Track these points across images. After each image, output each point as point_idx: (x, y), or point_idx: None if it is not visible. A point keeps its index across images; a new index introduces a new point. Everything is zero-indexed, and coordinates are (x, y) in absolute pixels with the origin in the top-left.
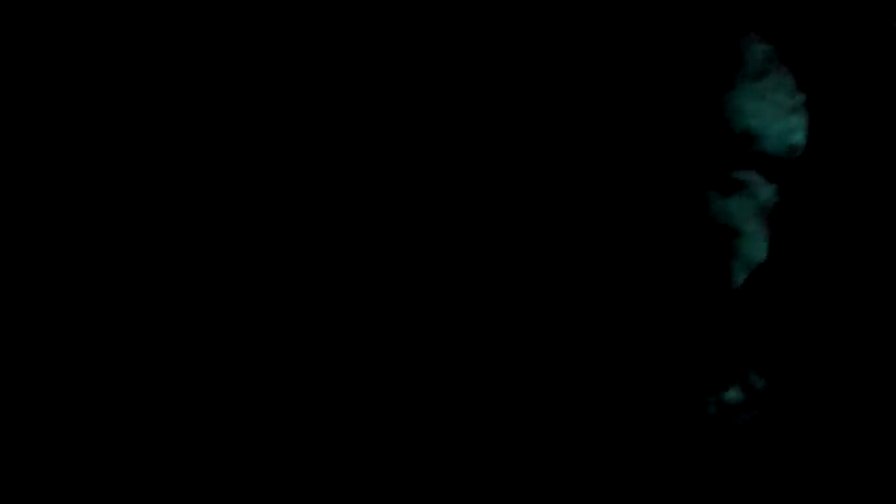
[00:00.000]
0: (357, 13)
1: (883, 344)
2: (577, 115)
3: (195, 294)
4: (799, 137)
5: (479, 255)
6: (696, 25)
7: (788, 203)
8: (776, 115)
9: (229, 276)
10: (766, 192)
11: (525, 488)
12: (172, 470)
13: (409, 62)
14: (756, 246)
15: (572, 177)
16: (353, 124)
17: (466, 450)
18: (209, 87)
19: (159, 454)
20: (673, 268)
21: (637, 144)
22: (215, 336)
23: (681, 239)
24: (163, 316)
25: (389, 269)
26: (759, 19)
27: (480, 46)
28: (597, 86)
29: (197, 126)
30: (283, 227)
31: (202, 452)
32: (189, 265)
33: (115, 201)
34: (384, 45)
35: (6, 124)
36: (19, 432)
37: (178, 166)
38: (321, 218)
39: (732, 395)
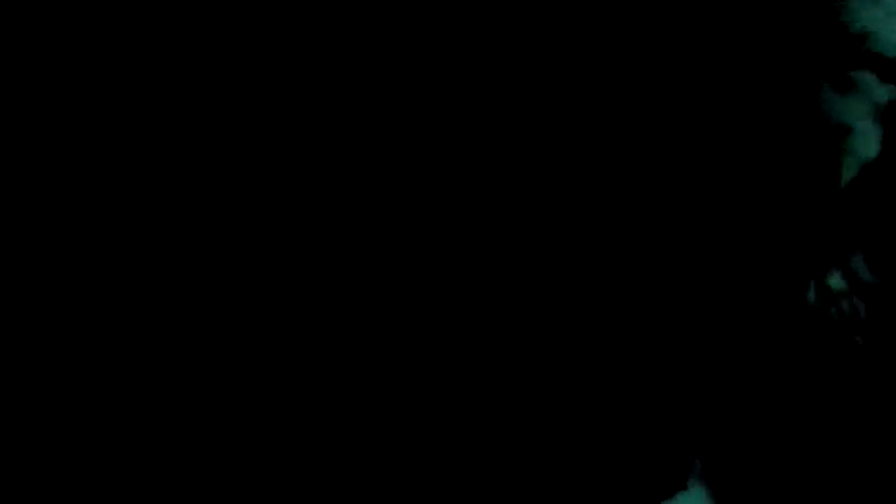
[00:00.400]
0: (357, 13)
1: None
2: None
3: (195, 294)
4: None
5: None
6: None
7: None
8: (890, 19)
9: (229, 276)
10: (879, 91)
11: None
12: (172, 470)
13: (410, 62)
14: (868, 143)
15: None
16: (352, 124)
17: (468, 448)
18: (209, 87)
19: (159, 454)
20: (784, 161)
21: (751, 40)
22: (215, 336)
23: (793, 133)
24: (162, 316)
25: (389, 269)
26: None
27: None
28: None
29: (197, 126)
30: (282, 227)
31: (202, 452)
32: (189, 265)
33: (115, 201)
34: (384, 45)
35: (6, 124)
36: (19, 432)
37: (178, 166)
38: (321, 218)
39: (834, 281)
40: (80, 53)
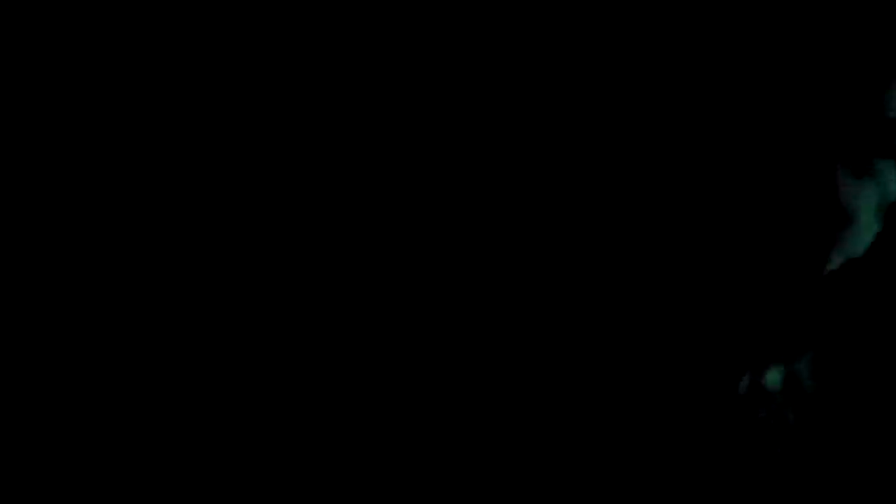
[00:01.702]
0: (357, 13)
1: None
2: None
3: (195, 294)
4: None
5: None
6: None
7: None
8: None
9: (229, 276)
10: (894, 185)
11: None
12: (172, 470)
13: (410, 62)
14: (861, 240)
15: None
16: (352, 124)
17: (470, 445)
18: (209, 87)
19: (159, 454)
20: (776, 237)
21: (793, 110)
22: (215, 336)
23: (798, 209)
24: (162, 316)
25: (389, 269)
26: None
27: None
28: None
29: (197, 126)
30: (282, 227)
31: (202, 452)
32: (189, 265)
33: (115, 201)
34: (384, 44)
35: (6, 124)
36: (19, 432)
37: (178, 166)
38: (321, 218)
39: (772, 378)
40: (80, 53)
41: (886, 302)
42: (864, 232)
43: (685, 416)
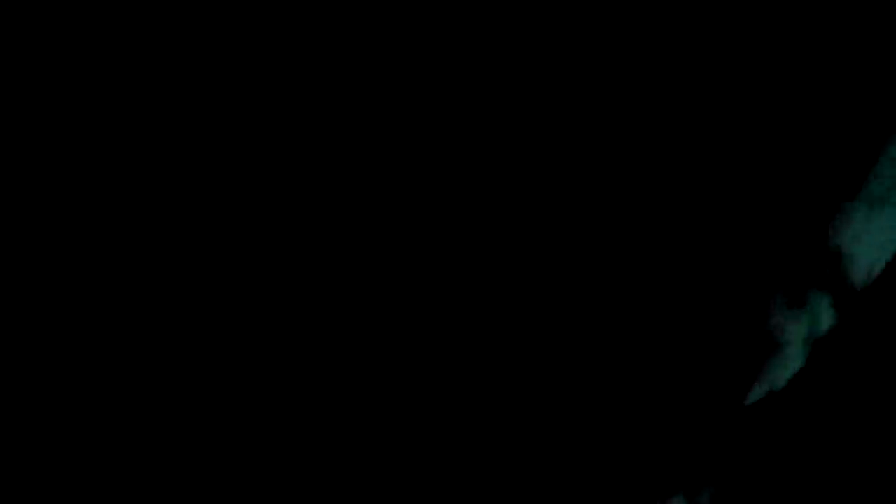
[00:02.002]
0: (357, 13)
1: None
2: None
3: (195, 294)
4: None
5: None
6: (836, 139)
7: (834, 341)
8: (876, 245)
9: (229, 276)
10: (824, 318)
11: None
12: (172, 470)
13: (410, 62)
14: (784, 373)
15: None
16: (352, 124)
17: (465, 450)
18: (209, 87)
19: (159, 454)
20: (699, 360)
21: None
22: (215, 336)
23: (725, 336)
24: (162, 316)
25: (389, 269)
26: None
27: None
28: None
29: (197, 126)
30: (282, 227)
31: (202, 452)
32: (189, 265)
33: (115, 201)
34: (384, 44)
35: (6, 124)
36: (19, 432)
37: (178, 166)
38: (321, 218)
39: None
40: (80, 53)
41: (796, 440)
42: (788, 366)
43: None
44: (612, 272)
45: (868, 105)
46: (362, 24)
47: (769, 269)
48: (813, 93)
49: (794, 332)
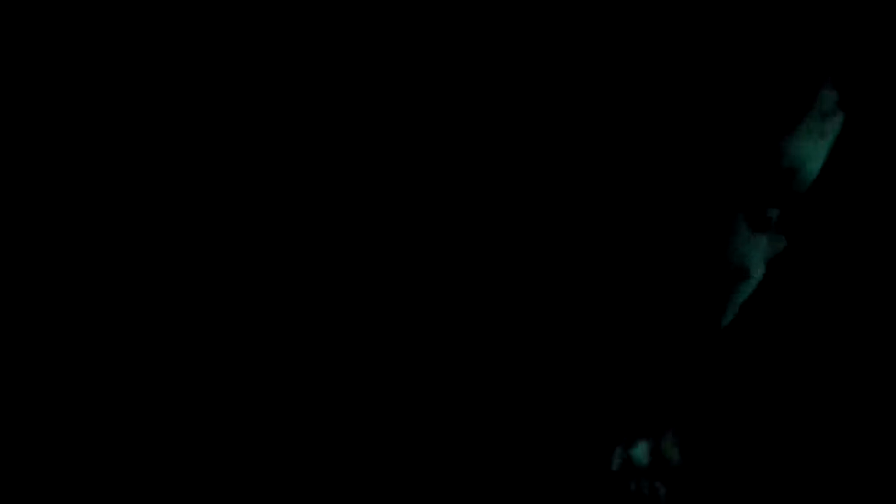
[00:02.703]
0: (357, 13)
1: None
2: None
3: (195, 294)
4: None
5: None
6: (787, 64)
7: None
8: (821, 156)
9: (229, 276)
10: (782, 238)
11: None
12: (172, 470)
13: (410, 62)
14: (749, 290)
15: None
16: (352, 124)
17: (467, 448)
18: (209, 87)
19: (159, 454)
20: (667, 295)
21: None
22: (215, 336)
23: (692, 267)
24: (162, 316)
25: (388, 269)
26: (832, 66)
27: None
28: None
29: (197, 126)
30: (282, 227)
31: (201, 452)
32: (189, 265)
33: (115, 201)
34: (384, 44)
35: (6, 124)
36: (19, 432)
37: (178, 166)
38: (320, 218)
39: (639, 453)
40: (81, 53)
41: (755, 366)
42: (753, 284)
43: (562, 490)
44: (585, 207)
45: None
46: (362, 25)
47: (729, 193)
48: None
49: (760, 251)
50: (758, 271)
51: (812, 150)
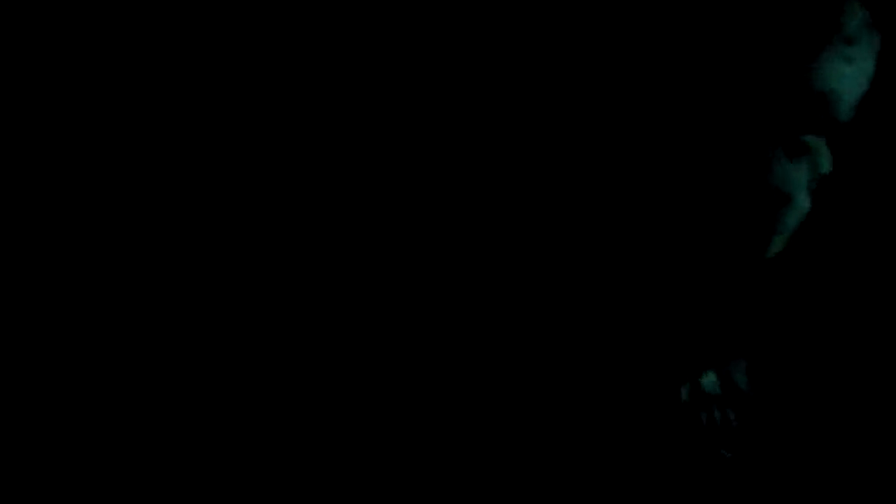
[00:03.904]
0: (357, 13)
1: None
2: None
3: (194, 294)
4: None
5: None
6: None
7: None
8: (858, 82)
9: (228, 276)
10: (823, 160)
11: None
12: (172, 470)
13: (410, 62)
14: (798, 218)
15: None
16: (351, 124)
17: (463, 450)
18: (209, 87)
19: (159, 454)
20: (711, 228)
21: (714, 87)
22: (215, 336)
23: (732, 195)
24: (162, 316)
25: (388, 269)
26: None
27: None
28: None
29: (196, 126)
30: (282, 227)
31: (201, 452)
32: (188, 265)
33: (115, 201)
34: (384, 44)
35: (6, 124)
36: (19, 432)
37: (178, 166)
38: (320, 218)
39: (708, 383)
40: (80, 53)
41: (815, 292)
42: (800, 211)
43: (632, 425)
44: (621, 153)
45: None
46: (361, 25)
47: (764, 122)
48: None
49: (801, 177)
50: (802, 198)
51: (842, 77)
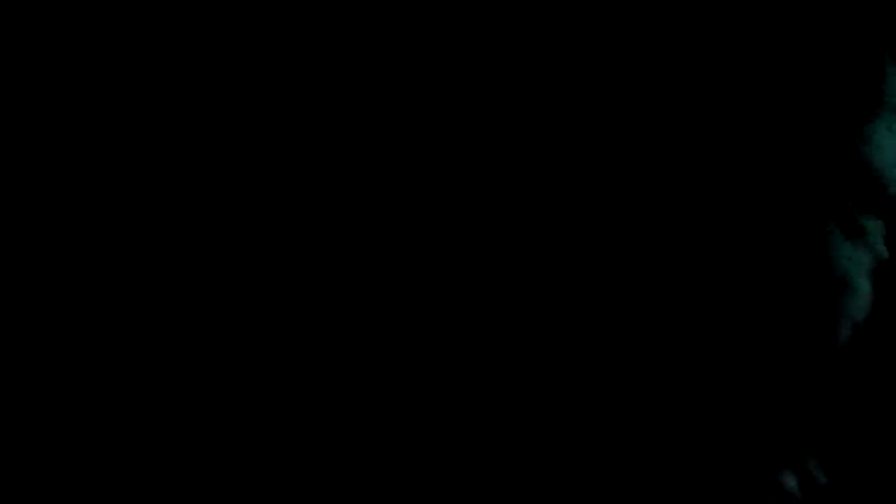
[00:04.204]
0: (356, 13)
1: None
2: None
3: (194, 294)
4: None
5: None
6: (835, 51)
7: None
8: None
9: (228, 276)
10: (880, 244)
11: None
12: (172, 470)
13: (410, 62)
14: (862, 305)
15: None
16: (351, 124)
17: (466, 450)
18: (208, 87)
19: (159, 454)
20: (775, 316)
21: (764, 168)
22: (214, 336)
23: (792, 282)
24: (162, 316)
25: (388, 270)
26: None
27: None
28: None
29: (196, 126)
30: (281, 227)
31: (201, 453)
32: (188, 265)
33: (115, 201)
34: (383, 44)
35: (6, 124)
36: (19, 432)
37: (178, 166)
38: (320, 218)
39: (789, 481)
40: (80, 53)
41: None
42: (863, 297)
43: None
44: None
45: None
46: (361, 24)
47: (818, 204)
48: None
49: (861, 261)
50: (862, 284)
51: (892, 148)
